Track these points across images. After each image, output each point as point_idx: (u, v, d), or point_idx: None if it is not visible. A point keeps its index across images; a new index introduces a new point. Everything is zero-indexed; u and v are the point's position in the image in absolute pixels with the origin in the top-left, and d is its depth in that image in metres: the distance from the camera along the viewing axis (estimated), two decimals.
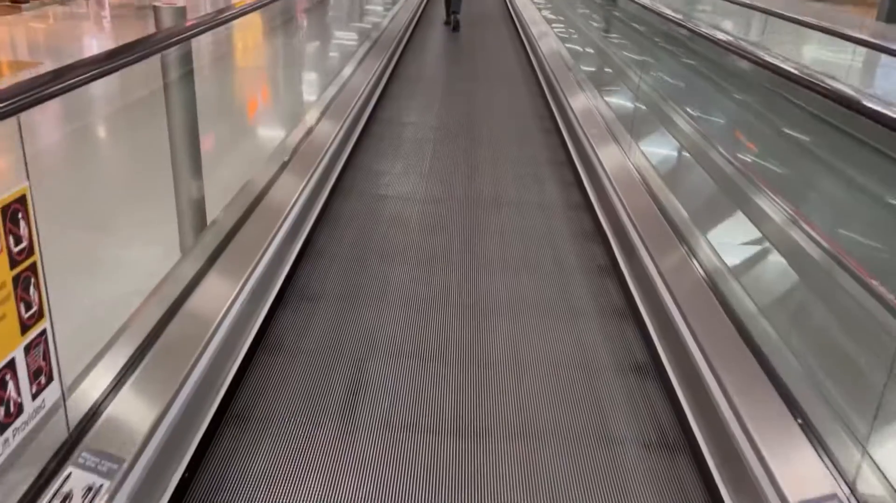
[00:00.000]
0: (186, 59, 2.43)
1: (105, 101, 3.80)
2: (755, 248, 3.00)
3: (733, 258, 2.86)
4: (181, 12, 2.28)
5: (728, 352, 2.13)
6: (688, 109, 4.60)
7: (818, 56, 5.96)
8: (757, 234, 3.02)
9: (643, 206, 3.29)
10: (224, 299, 2.26)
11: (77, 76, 1.41)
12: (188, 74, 2.43)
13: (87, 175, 3.80)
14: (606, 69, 6.58)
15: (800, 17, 4.15)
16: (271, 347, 2.40)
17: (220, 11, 2.96)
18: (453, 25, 9.32)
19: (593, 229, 3.55)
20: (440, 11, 10.29)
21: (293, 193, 3.15)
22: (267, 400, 2.13)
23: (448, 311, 2.71)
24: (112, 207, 3.36)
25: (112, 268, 2.85)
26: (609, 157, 3.99)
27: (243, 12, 3.28)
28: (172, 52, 2.29)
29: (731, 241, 3.04)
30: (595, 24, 8.35)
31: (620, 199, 3.35)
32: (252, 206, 2.96)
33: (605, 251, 3.30)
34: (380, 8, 8.83)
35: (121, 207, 3.34)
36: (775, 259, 3.04)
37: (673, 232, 2.97)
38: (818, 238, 2.69)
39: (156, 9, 2.27)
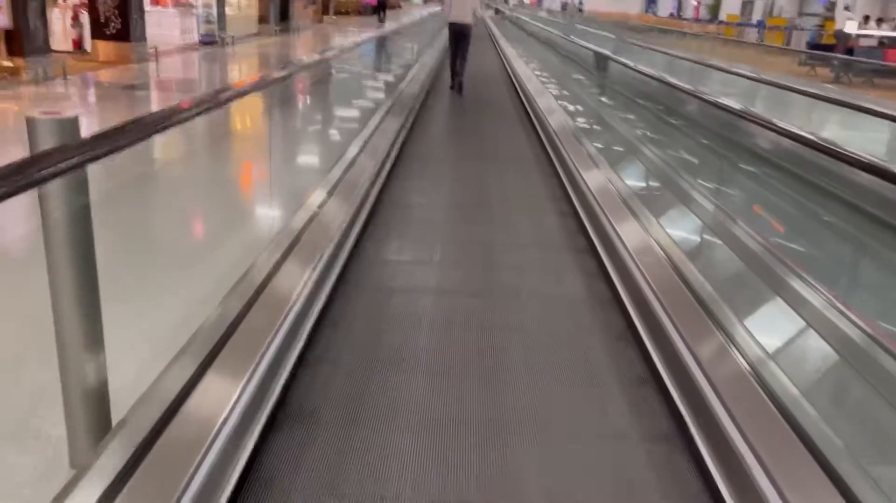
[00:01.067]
0: (78, 185, 1.64)
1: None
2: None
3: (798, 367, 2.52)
4: (70, 126, 1.54)
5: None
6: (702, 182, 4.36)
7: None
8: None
9: (680, 301, 2.97)
10: (210, 425, 1.92)
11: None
12: (83, 209, 1.66)
13: None
14: (615, 146, 6.39)
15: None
16: (260, 488, 2.02)
17: (219, 91, 2.72)
18: (457, 88, 10.02)
19: (624, 328, 3.21)
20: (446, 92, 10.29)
21: (292, 291, 2.84)
22: None
23: (468, 436, 2.33)
24: None
25: None
26: (632, 238, 3.69)
27: (241, 93, 3.04)
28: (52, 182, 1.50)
29: (796, 350, 2.69)
30: (595, 93, 8.27)
31: (655, 294, 3.03)
32: (247, 305, 2.64)
33: (640, 352, 2.95)
34: (380, 93, 8.73)
35: None
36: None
37: (721, 333, 2.63)
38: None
39: (29, 122, 1.52)
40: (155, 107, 8.16)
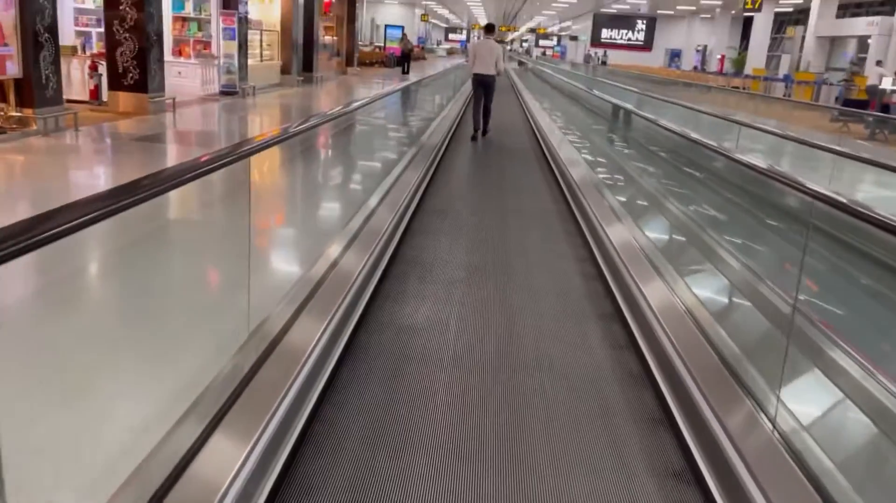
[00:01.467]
0: None
1: None
2: None
3: None
4: None
5: None
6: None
7: None
8: None
9: (714, 374, 2.74)
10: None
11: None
12: None
13: None
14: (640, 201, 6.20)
15: None
16: None
17: (238, 146, 2.62)
18: (481, 137, 10.39)
19: (657, 409, 2.97)
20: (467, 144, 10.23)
21: (304, 349, 2.67)
22: None
23: None
24: None
25: None
26: (659, 302, 3.47)
27: (264, 146, 2.94)
28: None
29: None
30: (619, 148, 8.14)
31: (689, 371, 2.80)
32: (258, 362, 2.48)
33: (674, 437, 2.70)
34: (403, 146, 8.68)
35: None
36: None
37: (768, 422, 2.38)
38: None
39: None
40: (161, 159, 8.02)
